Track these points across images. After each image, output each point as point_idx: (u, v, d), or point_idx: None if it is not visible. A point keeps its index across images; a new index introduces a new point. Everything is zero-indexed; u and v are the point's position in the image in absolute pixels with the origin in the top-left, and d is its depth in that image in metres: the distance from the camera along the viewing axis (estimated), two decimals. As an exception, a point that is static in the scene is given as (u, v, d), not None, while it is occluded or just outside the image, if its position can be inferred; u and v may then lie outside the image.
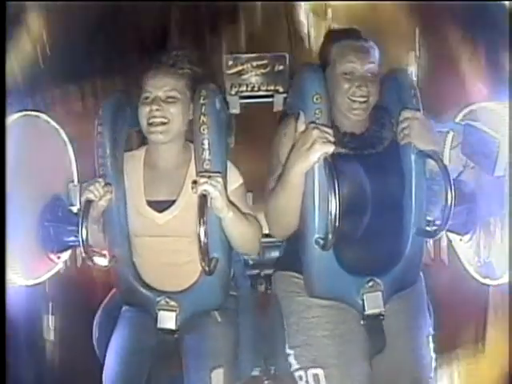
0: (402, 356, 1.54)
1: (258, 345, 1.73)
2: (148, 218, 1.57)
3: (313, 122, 1.43)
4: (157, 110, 1.51)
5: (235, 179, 1.60)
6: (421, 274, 1.68)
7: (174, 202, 1.57)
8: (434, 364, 1.58)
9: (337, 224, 1.33)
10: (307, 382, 1.50)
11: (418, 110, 1.54)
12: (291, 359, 1.55)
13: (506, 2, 1.58)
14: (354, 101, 1.53)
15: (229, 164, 1.59)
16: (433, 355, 1.59)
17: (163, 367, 1.57)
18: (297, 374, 1.53)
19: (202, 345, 1.57)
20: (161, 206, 1.57)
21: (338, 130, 1.55)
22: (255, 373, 1.75)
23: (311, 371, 1.49)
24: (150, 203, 1.58)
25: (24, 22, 1.57)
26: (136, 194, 1.59)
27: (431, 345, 1.60)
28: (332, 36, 1.66)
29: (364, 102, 1.54)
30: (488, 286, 1.95)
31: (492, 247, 1.88)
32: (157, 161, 1.61)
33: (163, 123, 1.52)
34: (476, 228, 1.93)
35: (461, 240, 2.01)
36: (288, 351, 1.56)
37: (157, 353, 1.57)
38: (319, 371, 1.48)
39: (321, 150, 1.37)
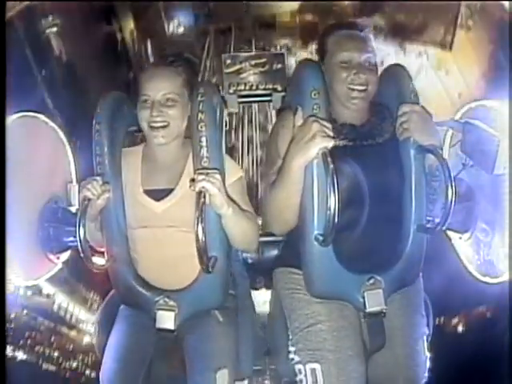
0: (398, 353, 1.54)
1: (258, 344, 1.72)
2: (145, 207, 1.57)
3: (312, 116, 1.42)
4: (157, 115, 1.52)
5: (234, 172, 1.59)
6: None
7: (171, 190, 1.57)
8: (428, 363, 1.58)
9: (336, 220, 1.32)
10: (305, 375, 1.50)
11: (417, 103, 1.53)
12: (292, 354, 1.55)
13: (506, 2, 1.58)
14: (353, 89, 1.52)
15: (227, 158, 1.59)
16: (427, 354, 1.59)
17: (163, 367, 1.56)
18: (296, 367, 1.54)
19: (205, 345, 1.57)
20: (158, 195, 1.57)
21: (336, 122, 1.54)
22: (256, 372, 1.74)
23: (309, 365, 1.50)
24: (148, 192, 1.58)
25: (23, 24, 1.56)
26: (133, 184, 1.59)
27: (426, 344, 1.60)
28: (329, 28, 1.64)
29: (363, 90, 1.52)
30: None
31: (492, 245, 1.87)
32: (155, 156, 1.62)
33: (164, 126, 1.53)
34: (475, 226, 1.92)
35: (460, 238, 2.00)
36: (290, 348, 1.56)
37: (156, 353, 1.56)
38: (317, 366, 1.48)
39: (321, 143, 1.36)
